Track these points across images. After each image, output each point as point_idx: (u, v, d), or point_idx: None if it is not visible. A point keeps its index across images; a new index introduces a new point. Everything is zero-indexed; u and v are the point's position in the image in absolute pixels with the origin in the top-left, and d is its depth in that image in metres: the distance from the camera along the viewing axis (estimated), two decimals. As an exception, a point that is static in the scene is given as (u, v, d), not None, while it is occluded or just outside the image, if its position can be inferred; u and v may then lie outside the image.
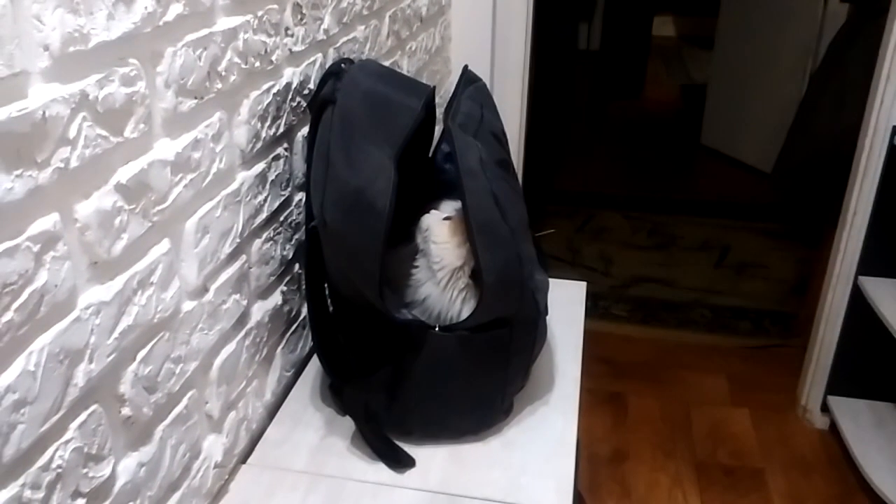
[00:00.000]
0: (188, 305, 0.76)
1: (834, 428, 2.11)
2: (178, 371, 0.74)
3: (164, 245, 0.70)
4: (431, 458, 0.91)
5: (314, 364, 1.07)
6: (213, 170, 0.78)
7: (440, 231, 0.91)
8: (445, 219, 0.92)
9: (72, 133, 0.56)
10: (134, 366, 0.67)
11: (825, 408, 2.15)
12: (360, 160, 0.82)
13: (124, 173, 0.63)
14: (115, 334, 0.64)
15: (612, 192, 3.75)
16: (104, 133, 0.60)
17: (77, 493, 0.61)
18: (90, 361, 0.61)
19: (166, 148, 0.69)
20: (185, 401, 0.77)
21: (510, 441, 0.95)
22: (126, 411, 0.67)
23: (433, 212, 0.93)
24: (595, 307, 2.72)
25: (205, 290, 0.79)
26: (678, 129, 4.58)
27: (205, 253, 0.78)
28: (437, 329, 0.88)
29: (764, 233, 3.29)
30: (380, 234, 0.80)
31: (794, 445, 2.13)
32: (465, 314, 0.89)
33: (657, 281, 2.94)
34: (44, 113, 0.53)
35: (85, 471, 0.61)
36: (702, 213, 3.51)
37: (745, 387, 2.36)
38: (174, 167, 0.70)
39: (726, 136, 4.03)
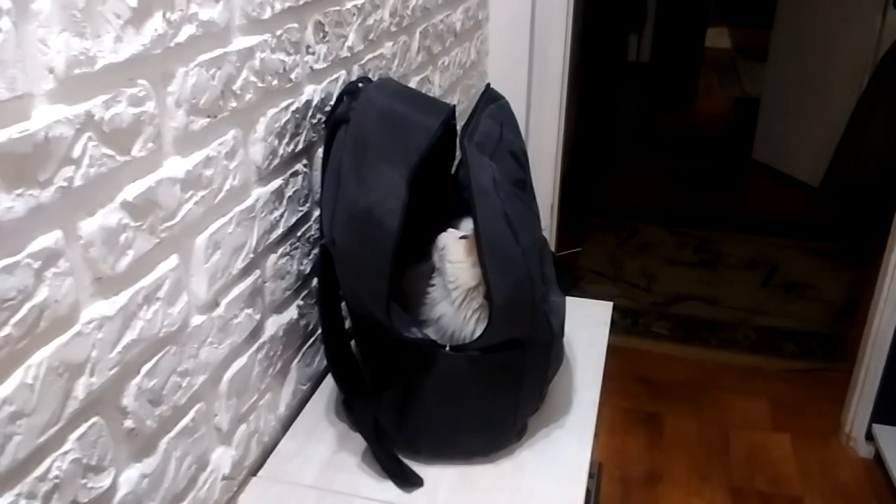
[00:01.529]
0: (197, 320, 0.77)
1: (879, 457, 2.04)
2: (184, 384, 0.76)
3: (173, 261, 0.72)
4: (440, 479, 0.91)
5: (331, 378, 1.08)
6: (226, 186, 0.79)
7: (456, 250, 0.91)
8: (462, 237, 0.92)
9: (76, 153, 0.58)
10: (138, 379, 0.68)
11: (870, 436, 2.08)
12: (371, 179, 0.82)
13: (131, 191, 0.65)
14: (118, 348, 0.65)
15: (657, 206, 3.69)
16: (110, 152, 0.62)
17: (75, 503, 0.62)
18: (91, 375, 0.62)
19: (176, 166, 0.71)
20: (191, 413, 0.78)
21: (521, 464, 0.94)
22: (129, 423, 0.68)
23: (450, 230, 0.93)
24: (635, 324, 2.68)
25: (215, 304, 0.80)
26: (729, 143, 4.50)
27: (216, 268, 0.79)
28: (447, 348, 0.88)
29: (814, 252, 3.20)
30: (388, 253, 0.80)
31: (836, 474, 2.06)
32: (478, 334, 0.89)
33: (701, 299, 2.88)
34: (46, 134, 0.55)
35: (84, 481, 0.63)
36: (750, 230, 3.43)
37: (787, 411, 2.30)
38: (184, 184, 0.72)
39: (778, 151, 3.94)
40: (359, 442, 0.95)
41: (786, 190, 3.81)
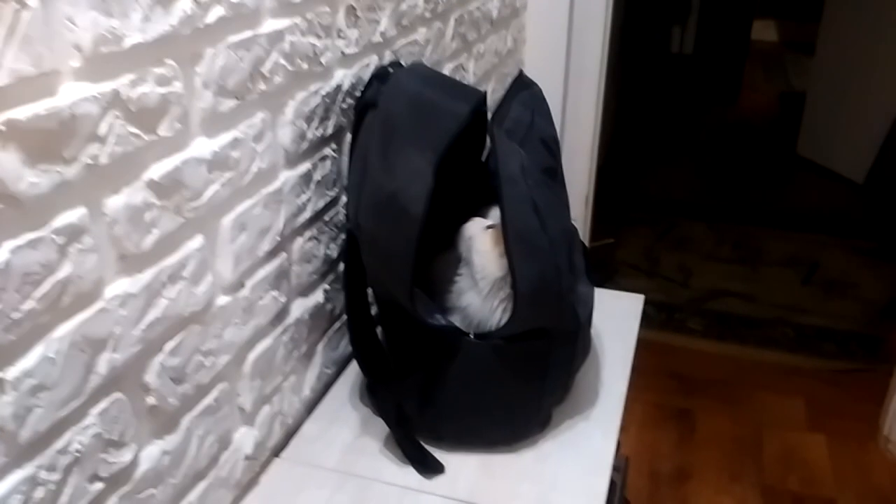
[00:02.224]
0: (222, 300, 0.77)
1: (917, 462, 1.99)
2: (208, 364, 0.76)
3: (198, 241, 0.72)
4: (461, 466, 0.91)
5: (356, 363, 1.08)
6: (254, 169, 0.79)
7: (483, 240, 0.90)
8: (488, 227, 0.91)
9: (102, 130, 0.58)
10: (161, 357, 0.69)
11: (909, 440, 2.03)
12: (398, 164, 0.82)
13: (157, 170, 0.65)
14: (142, 326, 0.66)
15: (697, 200, 3.64)
16: (136, 131, 0.62)
17: (95, 477, 0.63)
18: (114, 351, 0.63)
19: (203, 146, 0.71)
20: (214, 393, 0.79)
21: (544, 455, 0.93)
22: (151, 400, 0.69)
23: (476, 220, 0.93)
24: (670, 319, 2.65)
25: (240, 285, 0.80)
26: (774, 137, 4.40)
27: (241, 250, 0.79)
28: (471, 336, 0.87)
29: (856, 250, 3.13)
30: (412, 240, 0.80)
31: (872, 477, 2.01)
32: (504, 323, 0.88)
33: (738, 295, 2.83)
34: (72, 111, 0.55)
35: (104, 456, 0.64)
36: (791, 226, 3.36)
37: (823, 412, 2.25)
38: (211, 165, 0.72)
39: (824, 147, 3.85)
40: (381, 427, 0.95)
41: (830, 186, 3.72)
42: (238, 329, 0.81)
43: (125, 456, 0.66)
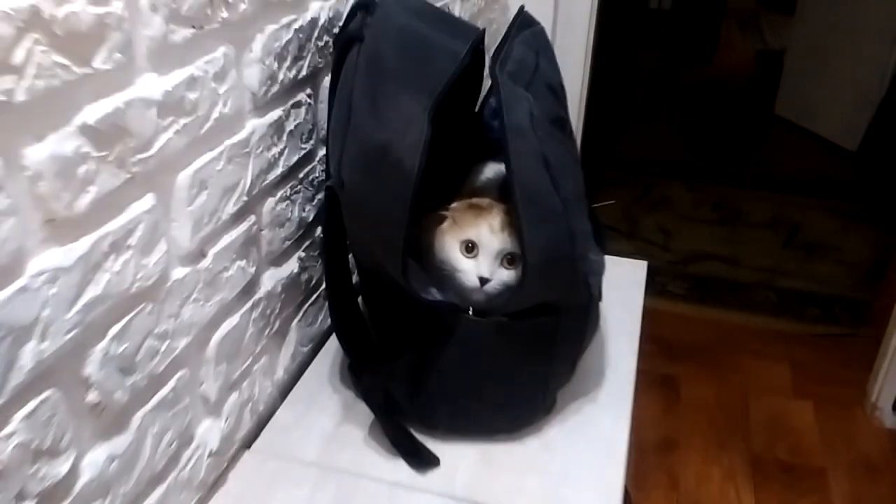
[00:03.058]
0: (179, 273, 0.65)
1: (906, 429, 1.95)
2: (163, 349, 0.64)
3: (148, 201, 0.59)
4: (458, 458, 0.80)
5: (335, 338, 0.96)
6: (215, 115, 0.66)
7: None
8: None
9: (17, 59, 0.45)
10: (104, 344, 0.57)
11: (898, 406, 1.98)
12: (388, 110, 0.69)
13: (92, 112, 0.52)
14: (77, 307, 0.53)
15: (675, 160, 3.55)
16: (64, 61, 0.49)
17: (21, 496, 0.50)
18: (42, 339, 0.50)
19: (152, 85, 0.58)
20: (172, 382, 0.66)
21: (551, 443, 0.83)
22: (93, 397, 0.56)
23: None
24: (651, 283, 2.54)
25: (201, 255, 0.68)
26: (751, 97, 4.32)
27: (202, 212, 0.66)
28: (470, 313, 0.76)
29: (838, 212, 3.07)
30: (406, 199, 0.67)
31: (861, 445, 1.96)
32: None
33: (720, 258, 2.76)
34: (-28, 30, 0.42)
35: (34, 470, 0.51)
36: (771, 187, 3.29)
37: (809, 377, 2.19)
38: (162, 109, 0.59)
39: (803, 108, 3.77)
40: (366, 413, 0.84)
41: (809, 147, 3.66)
42: (199, 306, 0.68)
43: (61, 467, 0.54)
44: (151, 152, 0.58)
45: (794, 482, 1.85)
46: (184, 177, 0.63)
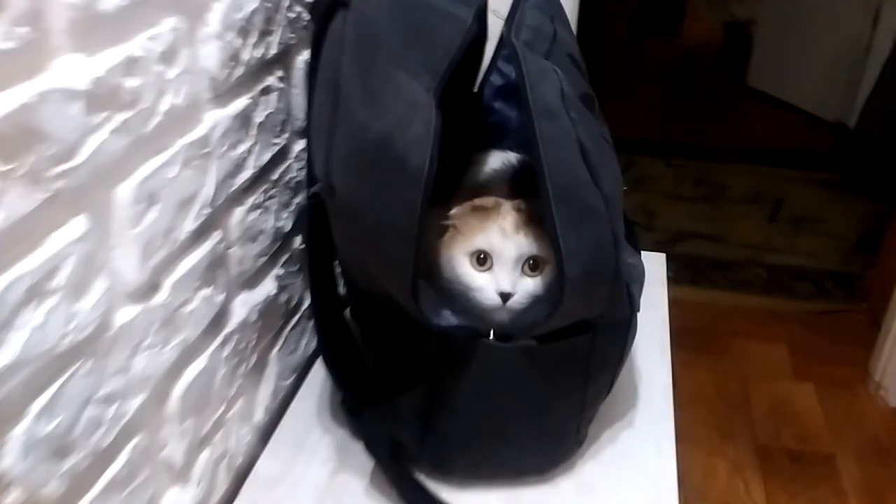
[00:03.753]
0: (126, 314, 0.50)
1: (913, 408, 1.87)
2: (110, 415, 0.49)
3: (77, 227, 0.44)
4: (480, 509, 0.67)
5: (321, 366, 0.82)
6: (163, 107, 0.51)
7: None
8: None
9: None
10: (25, 424, 0.42)
11: (902, 384, 1.90)
12: (386, 94, 0.55)
13: (-12, 110, 0.37)
14: (-18, 381, 0.38)
15: (652, 136, 3.44)
16: (-64, 38, 0.34)
17: None
18: (-72, 436, 0.35)
19: (74, 70, 0.43)
20: (125, 454, 0.52)
21: (586, 483, 0.70)
22: (15, 497, 0.41)
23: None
24: (638, 266, 2.46)
25: (155, 288, 0.53)
26: (721, 69, 4.24)
27: (152, 233, 0.51)
28: (491, 338, 0.62)
29: (821, 183, 2.99)
30: (414, 204, 0.53)
31: (868, 427, 1.88)
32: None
33: (706, 237, 2.66)
34: None
35: None
36: (751, 160, 3.20)
37: (808, 358, 2.10)
38: (91, 102, 0.44)
39: (777, 78, 3.69)
40: (365, 457, 0.70)
41: (785, 118, 3.58)
42: (155, 353, 0.53)
43: None
44: (78, 161, 0.43)
45: (803, 471, 1.76)
46: (125, 190, 0.48)
